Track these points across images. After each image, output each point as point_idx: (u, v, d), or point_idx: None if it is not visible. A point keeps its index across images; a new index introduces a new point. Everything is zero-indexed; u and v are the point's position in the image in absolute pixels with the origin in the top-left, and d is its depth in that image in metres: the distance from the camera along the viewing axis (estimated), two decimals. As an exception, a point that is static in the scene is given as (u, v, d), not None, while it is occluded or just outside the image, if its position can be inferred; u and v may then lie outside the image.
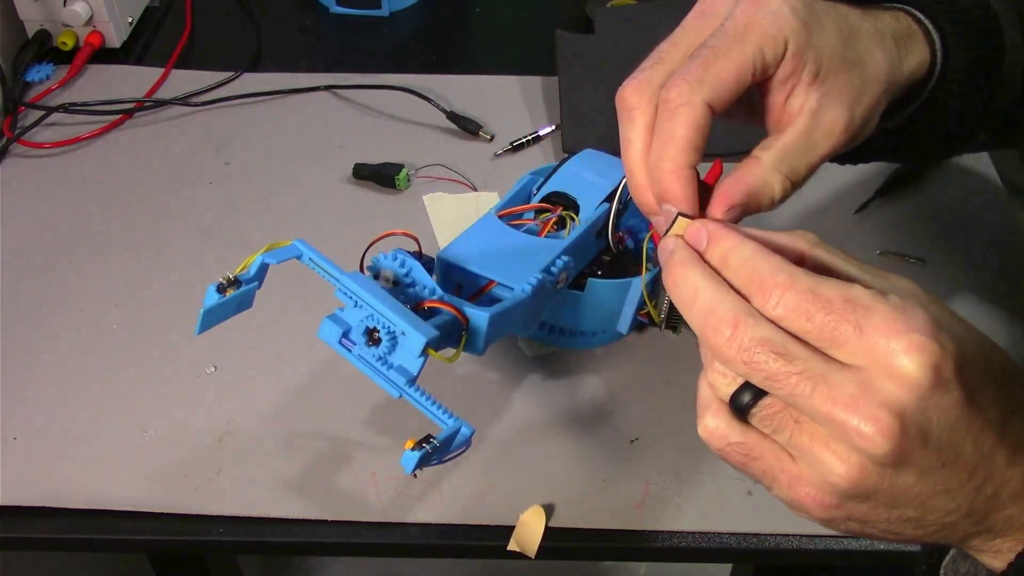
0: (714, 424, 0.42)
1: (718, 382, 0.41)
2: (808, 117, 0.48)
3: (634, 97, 0.49)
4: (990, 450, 0.39)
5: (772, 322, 0.39)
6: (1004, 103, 0.57)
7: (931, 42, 0.55)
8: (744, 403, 0.40)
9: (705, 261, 0.43)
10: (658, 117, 0.48)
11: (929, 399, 0.37)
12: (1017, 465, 0.40)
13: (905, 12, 0.55)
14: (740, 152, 0.50)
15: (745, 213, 0.48)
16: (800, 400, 0.38)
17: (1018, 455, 0.40)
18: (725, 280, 0.42)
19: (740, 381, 0.41)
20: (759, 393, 0.40)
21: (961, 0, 0.56)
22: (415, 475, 0.53)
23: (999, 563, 0.42)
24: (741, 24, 0.47)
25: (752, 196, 0.47)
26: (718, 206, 0.47)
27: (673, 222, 0.46)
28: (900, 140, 0.59)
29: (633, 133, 0.49)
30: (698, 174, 0.48)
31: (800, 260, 0.43)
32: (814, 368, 0.38)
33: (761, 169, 0.48)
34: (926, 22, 0.55)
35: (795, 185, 0.48)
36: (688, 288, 0.42)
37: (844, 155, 0.59)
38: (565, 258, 0.65)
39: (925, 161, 0.62)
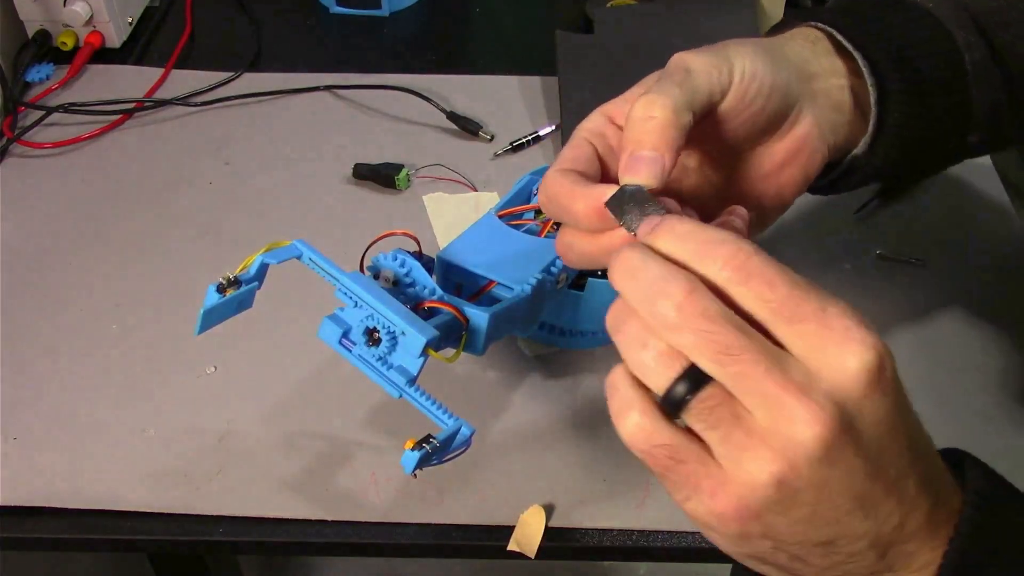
0: (641, 423, 0.38)
1: (652, 371, 0.38)
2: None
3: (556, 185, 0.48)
4: (905, 471, 0.39)
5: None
6: (985, 103, 0.57)
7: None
8: (680, 395, 0.37)
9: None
10: (625, 137, 0.46)
11: (868, 397, 0.37)
12: (923, 496, 0.39)
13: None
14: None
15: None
16: (750, 380, 0.36)
17: (924, 488, 0.39)
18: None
19: (678, 371, 0.37)
20: (697, 384, 0.37)
21: (889, 17, 0.56)
22: (415, 475, 0.53)
23: None
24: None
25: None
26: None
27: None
28: (888, 153, 0.57)
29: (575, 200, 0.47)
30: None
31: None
32: (770, 348, 0.37)
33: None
34: (839, 36, 0.55)
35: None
36: (635, 259, 0.39)
37: (836, 181, 0.58)
38: (565, 258, 0.65)
39: (925, 174, 0.62)
